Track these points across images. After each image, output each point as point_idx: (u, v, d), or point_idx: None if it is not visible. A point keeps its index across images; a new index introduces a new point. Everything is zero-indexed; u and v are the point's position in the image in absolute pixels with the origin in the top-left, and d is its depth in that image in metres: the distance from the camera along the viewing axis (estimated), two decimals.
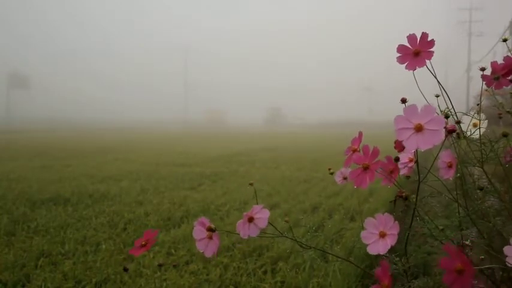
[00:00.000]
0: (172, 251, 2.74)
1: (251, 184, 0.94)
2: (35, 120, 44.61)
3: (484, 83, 0.95)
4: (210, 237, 0.81)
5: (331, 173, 1.09)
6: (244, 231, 0.81)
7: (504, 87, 0.95)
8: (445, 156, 0.84)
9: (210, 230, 0.80)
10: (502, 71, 0.93)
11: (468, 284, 0.61)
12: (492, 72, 0.94)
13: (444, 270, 0.62)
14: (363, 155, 0.81)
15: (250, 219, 0.81)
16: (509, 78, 0.93)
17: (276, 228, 0.89)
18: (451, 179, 0.87)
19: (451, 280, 0.61)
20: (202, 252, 0.81)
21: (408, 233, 0.83)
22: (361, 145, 0.86)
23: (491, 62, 0.94)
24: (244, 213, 0.82)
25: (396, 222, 0.74)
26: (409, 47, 0.81)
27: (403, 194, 0.83)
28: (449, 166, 0.83)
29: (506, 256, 0.65)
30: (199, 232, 0.82)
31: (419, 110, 0.69)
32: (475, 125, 1.00)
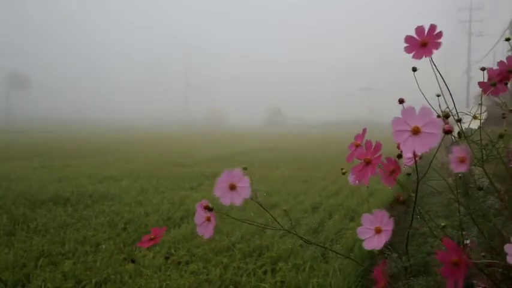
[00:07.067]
0: (173, 251, 2.74)
1: (245, 168, 0.88)
2: (35, 120, 44.62)
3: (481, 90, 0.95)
4: (209, 219, 0.82)
5: (344, 173, 1.06)
6: (226, 198, 0.79)
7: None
8: (458, 151, 0.82)
9: (207, 209, 0.80)
10: (497, 78, 0.93)
11: (462, 275, 0.62)
12: (489, 79, 0.95)
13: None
14: (365, 150, 0.81)
15: (232, 187, 0.78)
16: (505, 82, 0.93)
17: (279, 223, 0.89)
18: (460, 176, 0.86)
19: (448, 272, 0.63)
20: (202, 236, 0.83)
21: (408, 232, 0.83)
22: (363, 141, 0.85)
23: (488, 69, 0.95)
24: (219, 179, 0.78)
25: (391, 218, 0.74)
26: (417, 38, 0.82)
27: (401, 198, 0.82)
28: (462, 161, 0.80)
29: (507, 254, 0.64)
30: (200, 217, 0.83)
31: (417, 112, 0.69)
32: (475, 118, 1.00)
